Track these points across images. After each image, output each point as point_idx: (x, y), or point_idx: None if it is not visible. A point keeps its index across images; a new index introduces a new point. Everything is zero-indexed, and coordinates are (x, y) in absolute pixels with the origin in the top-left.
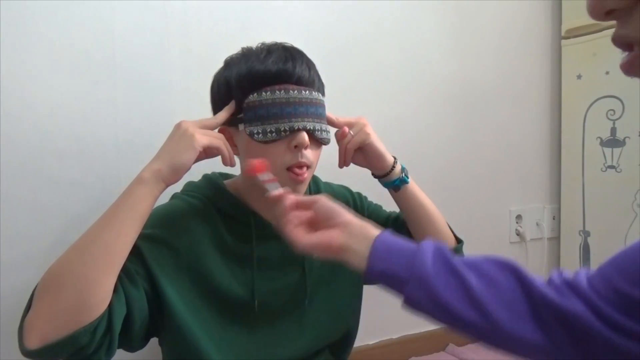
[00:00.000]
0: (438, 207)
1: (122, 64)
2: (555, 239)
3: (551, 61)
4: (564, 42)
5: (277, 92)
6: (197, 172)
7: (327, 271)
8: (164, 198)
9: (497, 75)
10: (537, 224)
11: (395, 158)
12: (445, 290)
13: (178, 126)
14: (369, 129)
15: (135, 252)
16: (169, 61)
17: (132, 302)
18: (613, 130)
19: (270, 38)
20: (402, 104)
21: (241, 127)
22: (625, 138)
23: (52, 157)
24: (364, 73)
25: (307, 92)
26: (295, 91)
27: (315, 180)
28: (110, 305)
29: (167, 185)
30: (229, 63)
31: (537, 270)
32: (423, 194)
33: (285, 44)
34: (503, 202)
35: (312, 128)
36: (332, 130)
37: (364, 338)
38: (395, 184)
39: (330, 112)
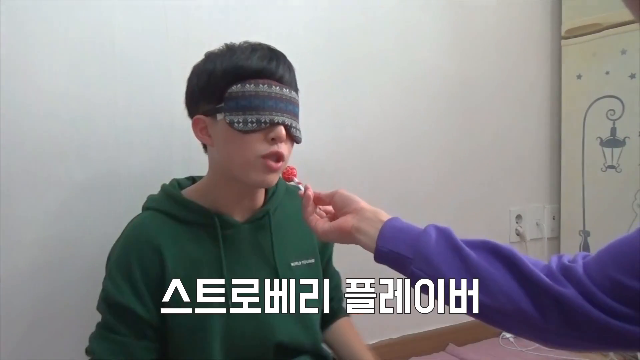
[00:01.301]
0: (438, 207)
1: (122, 64)
2: (555, 239)
3: (551, 61)
4: (564, 42)
5: (261, 85)
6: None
7: (307, 273)
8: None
9: (497, 75)
10: (537, 224)
11: None
12: (448, 267)
13: None
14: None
15: (119, 310)
16: (169, 61)
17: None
18: (613, 130)
19: (272, 36)
20: (401, 104)
21: (220, 116)
22: (625, 138)
23: (53, 157)
24: (364, 74)
25: (287, 90)
26: (277, 87)
27: (276, 183)
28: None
29: None
30: (211, 56)
31: None
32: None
33: (269, 45)
34: (503, 202)
35: (289, 124)
36: (304, 130)
37: (364, 338)
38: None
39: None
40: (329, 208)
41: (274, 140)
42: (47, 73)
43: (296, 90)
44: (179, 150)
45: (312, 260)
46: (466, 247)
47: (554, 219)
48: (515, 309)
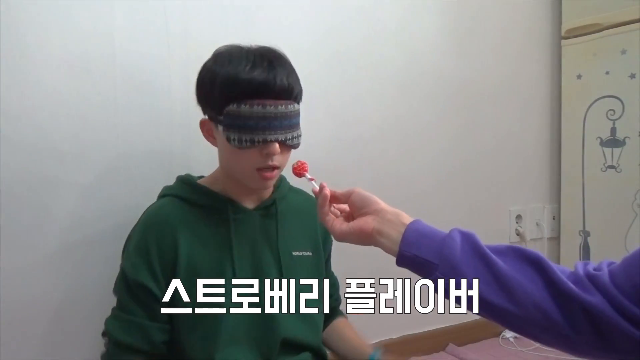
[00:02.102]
0: (438, 207)
1: (122, 65)
2: (555, 239)
3: (551, 61)
4: (564, 42)
5: (255, 106)
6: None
7: (305, 264)
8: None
9: (497, 75)
10: (537, 224)
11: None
12: (474, 275)
13: None
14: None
15: (133, 286)
16: (169, 63)
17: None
18: (613, 130)
19: (272, 41)
20: (402, 104)
21: (220, 127)
22: (625, 138)
23: (53, 159)
24: (365, 74)
25: (283, 106)
26: (272, 106)
27: (281, 178)
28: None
29: None
30: (217, 59)
31: None
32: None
33: (272, 50)
34: (503, 202)
35: (283, 139)
36: (303, 134)
37: (364, 338)
38: None
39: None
40: (344, 206)
41: (268, 155)
42: (46, 72)
43: (297, 96)
44: (179, 150)
45: (310, 253)
46: (492, 254)
47: (554, 219)
48: (544, 319)
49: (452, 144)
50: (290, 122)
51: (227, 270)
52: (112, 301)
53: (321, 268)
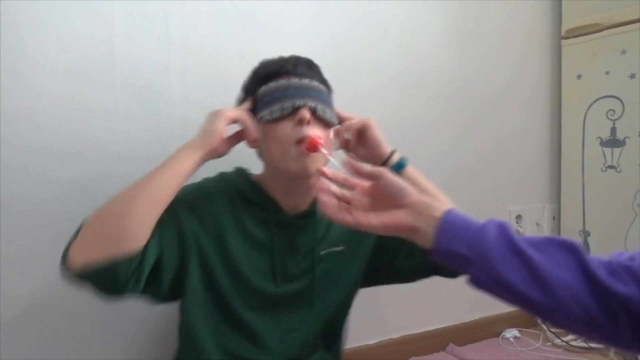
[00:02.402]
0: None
1: (122, 70)
2: None
3: (551, 61)
4: (564, 42)
5: (280, 80)
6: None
7: (334, 260)
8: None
9: (497, 75)
10: (537, 224)
11: (393, 150)
12: (509, 270)
13: (213, 110)
14: (373, 121)
15: (173, 213)
16: (169, 67)
17: (164, 249)
18: (613, 130)
19: (271, 37)
20: (403, 104)
21: (259, 116)
22: (625, 138)
23: (53, 160)
24: (367, 75)
25: (308, 80)
26: (297, 79)
27: None
28: (146, 246)
29: (206, 153)
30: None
31: None
32: (425, 181)
33: (299, 55)
34: (503, 202)
35: (313, 106)
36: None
37: (364, 338)
38: (392, 169)
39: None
40: (362, 184)
41: (301, 122)
42: (46, 77)
43: (322, 82)
44: None
45: (341, 248)
46: (528, 248)
47: (554, 219)
48: (583, 313)
49: (452, 144)
50: (318, 95)
51: (263, 277)
52: (113, 302)
53: (358, 260)
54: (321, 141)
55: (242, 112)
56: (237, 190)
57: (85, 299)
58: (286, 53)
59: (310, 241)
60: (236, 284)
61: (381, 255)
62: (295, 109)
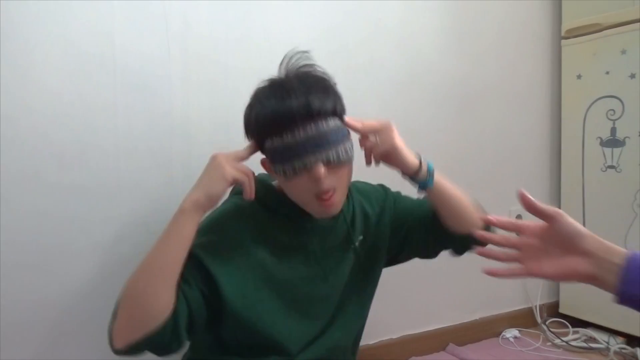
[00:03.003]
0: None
1: (122, 68)
2: None
3: (551, 61)
4: (564, 42)
5: (285, 136)
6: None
7: (365, 263)
8: None
9: (497, 75)
10: None
11: (420, 160)
12: None
13: (213, 158)
14: (395, 135)
15: (193, 259)
16: (169, 63)
17: (191, 302)
18: (613, 130)
19: (272, 42)
20: (402, 104)
21: (271, 165)
22: (625, 138)
23: (52, 161)
24: (364, 73)
25: (314, 126)
26: (301, 131)
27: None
28: (175, 309)
29: (205, 212)
30: (251, 99)
31: None
32: (450, 187)
33: (298, 74)
34: (503, 202)
35: (325, 159)
36: (356, 137)
37: (364, 338)
38: (419, 187)
39: (356, 118)
40: (527, 224)
41: (317, 180)
42: (47, 76)
43: (327, 113)
44: (179, 155)
45: (361, 237)
46: None
47: None
48: None
49: (452, 144)
50: (329, 140)
51: (300, 281)
52: (113, 303)
53: (375, 248)
54: (337, 195)
55: (244, 174)
56: (261, 204)
57: (86, 301)
58: (283, 48)
59: (344, 235)
60: (275, 292)
61: (397, 234)
62: (308, 166)
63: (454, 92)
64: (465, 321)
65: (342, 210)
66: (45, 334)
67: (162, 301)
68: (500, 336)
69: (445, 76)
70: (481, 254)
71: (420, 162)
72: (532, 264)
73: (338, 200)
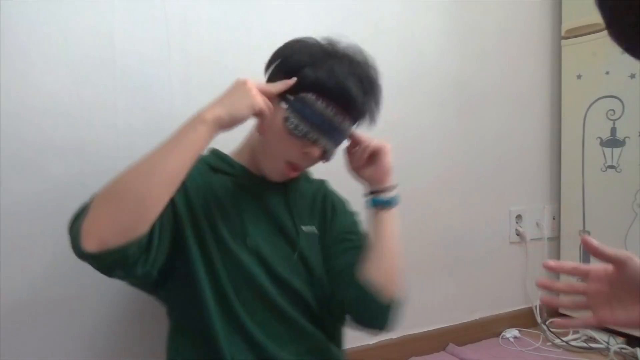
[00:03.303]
0: (438, 207)
1: (122, 66)
2: (555, 239)
3: (551, 61)
4: (564, 42)
5: (329, 109)
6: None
7: (305, 228)
8: None
9: (497, 75)
10: (537, 224)
11: (395, 185)
12: None
13: (244, 82)
14: (389, 147)
15: None
16: (169, 63)
17: (162, 225)
18: (613, 130)
19: (271, 36)
20: (402, 104)
21: (283, 105)
22: (625, 138)
23: (53, 158)
24: None
25: (348, 124)
26: (341, 118)
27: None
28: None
29: (221, 131)
30: (305, 48)
31: (537, 270)
32: (396, 229)
33: (368, 69)
34: (503, 202)
35: (328, 149)
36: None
37: (364, 338)
38: (384, 202)
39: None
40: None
41: (306, 155)
42: (46, 74)
43: (364, 119)
44: None
45: (317, 231)
46: None
47: (554, 219)
48: None
49: (452, 143)
50: (341, 139)
51: (241, 240)
52: (113, 301)
53: (327, 247)
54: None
55: (267, 107)
56: (211, 167)
57: (86, 299)
58: None
59: (287, 205)
60: (222, 248)
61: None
62: (313, 141)
63: (453, 91)
64: (465, 321)
65: (290, 189)
66: (45, 333)
67: (158, 209)
68: (500, 336)
69: (446, 77)
70: (547, 304)
71: (393, 187)
72: (604, 312)
73: (296, 175)
